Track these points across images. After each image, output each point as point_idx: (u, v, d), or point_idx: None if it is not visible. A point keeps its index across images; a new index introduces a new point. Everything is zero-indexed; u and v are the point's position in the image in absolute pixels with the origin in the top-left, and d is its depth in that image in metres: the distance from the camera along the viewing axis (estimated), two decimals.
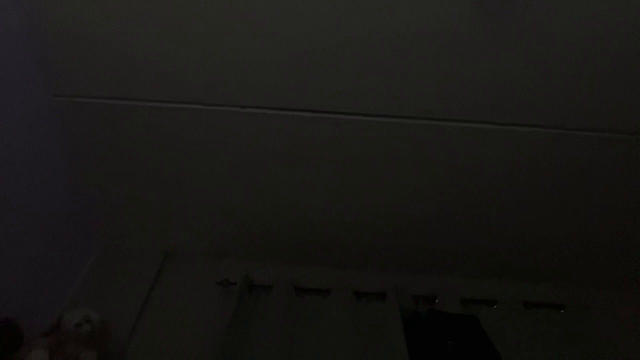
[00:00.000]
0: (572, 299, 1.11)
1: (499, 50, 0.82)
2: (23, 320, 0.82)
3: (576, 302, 1.10)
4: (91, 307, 0.92)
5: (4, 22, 0.78)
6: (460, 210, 1.07)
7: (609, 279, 1.19)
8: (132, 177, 1.04)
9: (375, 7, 0.78)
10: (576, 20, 0.78)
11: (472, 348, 0.96)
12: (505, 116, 0.91)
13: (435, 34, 0.80)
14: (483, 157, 0.97)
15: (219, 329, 0.96)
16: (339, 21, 0.80)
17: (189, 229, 1.16)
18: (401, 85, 0.87)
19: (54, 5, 0.80)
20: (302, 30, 0.81)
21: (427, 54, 0.83)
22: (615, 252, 1.14)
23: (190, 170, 1.02)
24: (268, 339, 0.97)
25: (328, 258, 1.18)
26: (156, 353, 0.96)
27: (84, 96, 0.91)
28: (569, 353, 1.00)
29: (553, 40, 0.81)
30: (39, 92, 0.89)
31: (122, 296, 1.07)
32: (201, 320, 1.02)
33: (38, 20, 0.82)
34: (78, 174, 1.03)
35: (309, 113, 0.91)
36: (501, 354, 0.94)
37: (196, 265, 1.17)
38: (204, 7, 0.79)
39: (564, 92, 0.87)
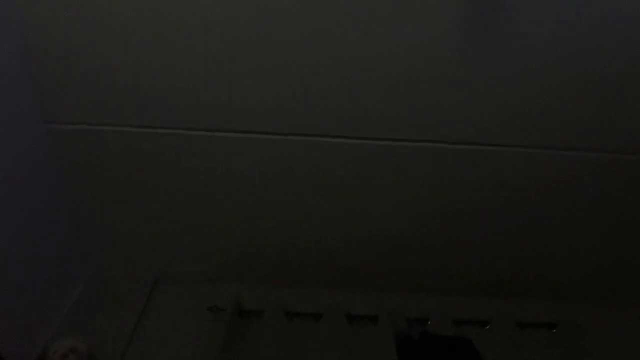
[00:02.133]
0: (564, 317, 1.11)
1: (488, 71, 0.84)
2: (8, 351, 0.80)
3: (569, 321, 1.10)
4: (79, 335, 0.90)
5: None
6: (451, 230, 1.08)
7: (602, 297, 1.19)
8: (122, 202, 1.04)
9: (364, 33, 0.80)
10: (569, 37, 0.80)
11: None
12: (495, 137, 0.93)
13: (423, 55, 0.83)
14: (473, 178, 0.98)
15: (209, 356, 0.94)
16: (328, 45, 0.82)
17: (179, 254, 1.15)
18: (390, 107, 0.89)
19: (46, 32, 0.81)
20: (291, 54, 0.83)
21: (414, 75, 0.85)
22: (609, 269, 1.15)
23: (180, 195, 1.02)
24: None
25: (319, 281, 1.17)
26: None
27: (75, 123, 0.92)
28: None
29: (544, 59, 0.83)
30: (30, 118, 0.89)
31: (111, 323, 1.05)
32: (191, 347, 1.00)
33: (29, 47, 0.83)
34: (67, 200, 1.03)
35: (296, 137, 0.93)
36: None
37: (186, 291, 1.15)
38: (196, 33, 0.81)
39: (554, 113, 0.89)
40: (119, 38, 0.82)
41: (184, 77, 0.86)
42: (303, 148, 0.94)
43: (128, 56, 0.84)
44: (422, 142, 0.94)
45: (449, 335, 1.03)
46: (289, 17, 0.79)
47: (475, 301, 1.15)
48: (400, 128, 0.92)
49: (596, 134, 0.92)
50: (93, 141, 0.94)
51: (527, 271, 1.16)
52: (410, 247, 1.11)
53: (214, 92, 0.87)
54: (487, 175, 0.98)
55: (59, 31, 0.81)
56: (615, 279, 1.17)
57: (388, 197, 1.02)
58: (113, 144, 0.94)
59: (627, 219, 1.05)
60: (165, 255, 1.15)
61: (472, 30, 0.80)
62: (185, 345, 1.01)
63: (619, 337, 1.11)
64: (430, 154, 0.95)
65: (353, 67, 0.84)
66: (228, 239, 1.11)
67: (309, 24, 0.80)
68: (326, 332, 1.04)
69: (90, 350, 0.90)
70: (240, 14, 0.79)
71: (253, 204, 1.04)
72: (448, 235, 1.09)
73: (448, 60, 0.83)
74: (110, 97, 0.88)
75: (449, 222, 1.07)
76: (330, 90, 0.87)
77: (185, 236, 1.11)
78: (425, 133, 0.92)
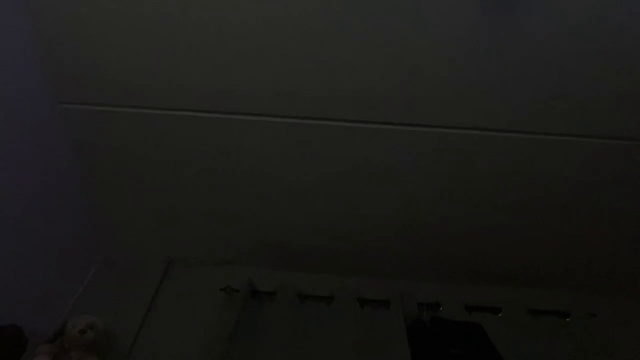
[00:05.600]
0: (578, 306, 1.10)
1: (504, 58, 0.83)
2: (27, 327, 0.83)
3: (582, 310, 1.09)
4: (95, 314, 0.93)
5: (10, 29, 0.79)
6: (464, 216, 1.07)
7: (615, 286, 1.18)
8: (136, 184, 1.05)
9: (384, 19, 0.79)
10: (582, 25, 0.79)
11: (477, 357, 0.95)
12: (512, 124, 0.91)
13: (438, 42, 0.81)
14: (486, 164, 0.97)
15: (222, 336, 0.96)
16: (343, 28, 0.81)
17: (193, 236, 1.16)
18: (406, 93, 0.87)
19: (61, 14, 0.81)
20: (305, 36, 0.82)
21: (429, 61, 0.84)
22: (623, 257, 1.13)
23: (194, 177, 1.03)
24: (272, 346, 0.97)
25: (331, 264, 1.18)
26: None
27: (90, 104, 0.92)
28: None
29: (559, 48, 0.81)
30: (45, 99, 0.90)
31: (126, 302, 1.07)
32: (205, 327, 1.02)
33: (45, 28, 0.83)
34: (82, 181, 1.04)
35: (311, 120, 0.92)
36: None
37: (200, 272, 1.17)
38: (209, 18, 0.80)
39: (570, 100, 0.87)
40: (133, 21, 0.81)
41: (198, 61, 0.85)
42: (318, 132, 0.93)
43: (142, 39, 0.83)
44: (436, 128, 0.92)
45: (461, 321, 1.03)
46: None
47: (488, 288, 1.14)
48: (415, 115, 0.90)
49: (617, 122, 0.90)
50: (108, 122, 0.94)
51: (541, 259, 1.15)
52: (423, 233, 1.11)
53: (229, 74, 0.87)
54: (502, 163, 0.96)
55: (73, 13, 0.81)
56: (630, 268, 1.15)
57: (401, 183, 1.01)
58: (128, 125, 0.94)
59: None
60: (179, 237, 1.17)
61: (490, 18, 0.78)
62: (198, 324, 1.03)
63: (632, 326, 1.09)
64: (444, 140, 0.93)
65: (368, 52, 0.83)
66: (242, 222, 1.12)
67: (328, 5, 0.78)
68: (338, 315, 1.05)
69: (107, 327, 0.93)
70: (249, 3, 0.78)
71: (267, 188, 1.04)
72: (461, 222, 1.08)
73: (463, 48, 0.81)
74: (124, 79, 0.88)
75: (462, 209, 1.05)
76: (346, 75, 0.86)
77: (200, 218, 1.11)
78: (438, 120, 0.91)
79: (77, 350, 0.87)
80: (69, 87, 0.90)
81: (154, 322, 1.04)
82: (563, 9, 0.77)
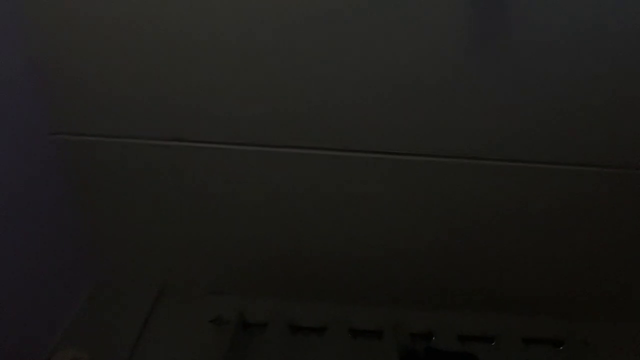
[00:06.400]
0: (572, 334, 1.09)
1: (494, 87, 0.84)
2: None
3: (576, 337, 1.08)
4: (82, 347, 0.91)
5: (2, 59, 0.79)
6: (457, 245, 1.07)
7: (610, 313, 1.17)
8: (127, 213, 1.04)
9: (370, 46, 0.81)
10: (578, 51, 0.80)
11: None
12: (501, 152, 0.92)
13: (425, 69, 0.82)
14: (480, 193, 0.98)
15: None
16: (331, 58, 0.82)
17: (184, 264, 1.15)
18: (398, 122, 0.89)
19: (53, 43, 0.82)
20: (301, 66, 0.83)
21: (422, 92, 0.85)
22: (618, 285, 1.13)
23: (185, 206, 1.02)
24: None
25: (324, 294, 1.17)
26: None
27: (82, 134, 0.92)
28: None
29: (551, 73, 0.82)
30: (37, 129, 0.90)
31: (114, 334, 1.05)
32: (195, 357, 1.00)
33: (37, 58, 0.84)
34: (72, 210, 1.03)
35: (303, 150, 0.93)
36: None
37: (190, 303, 1.15)
38: (203, 48, 0.82)
39: (562, 127, 0.88)
40: (127, 51, 0.82)
41: (192, 90, 0.86)
42: (309, 161, 0.94)
43: (135, 69, 0.84)
44: (427, 157, 0.93)
45: (454, 351, 1.02)
46: (293, 30, 0.79)
47: (481, 317, 1.13)
48: (405, 142, 0.91)
49: (607, 148, 0.91)
50: (99, 152, 0.94)
51: (534, 287, 1.15)
52: (415, 262, 1.10)
53: (219, 105, 0.88)
54: (494, 190, 0.97)
55: (66, 42, 0.82)
56: (625, 295, 1.15)
57: (393, 212, 1.01)
58: (119, 155, 0.95)
59: (636, 234, 1.03)
60: (169, 266, 1.15)
61: (479, 45, 0.80)
62: (188, 357, 1.01)
63: (627, 355, 1.09)
64: (435, 168, 0.94)
65: (357, 79, 0.84)
66: (232, 251, 1.11)
67: (312, 36, 0.80)
68: (330, 346, 1.03)
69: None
70: (243, 29, 0.79)
71: (258, 217, 1.04)
72: (454, 250, 1.08)
73: (451, 75, 0.83)
74: (117, 109, 0.89)
75: (455, 237, 1.06)
76: (334, 104, 0.87)
77: (190, 248, 1.10)
78: (430, 147, 0.92)
79: None
80: (61, 117, 0.90)
81: (142, 354, 1.02)
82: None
